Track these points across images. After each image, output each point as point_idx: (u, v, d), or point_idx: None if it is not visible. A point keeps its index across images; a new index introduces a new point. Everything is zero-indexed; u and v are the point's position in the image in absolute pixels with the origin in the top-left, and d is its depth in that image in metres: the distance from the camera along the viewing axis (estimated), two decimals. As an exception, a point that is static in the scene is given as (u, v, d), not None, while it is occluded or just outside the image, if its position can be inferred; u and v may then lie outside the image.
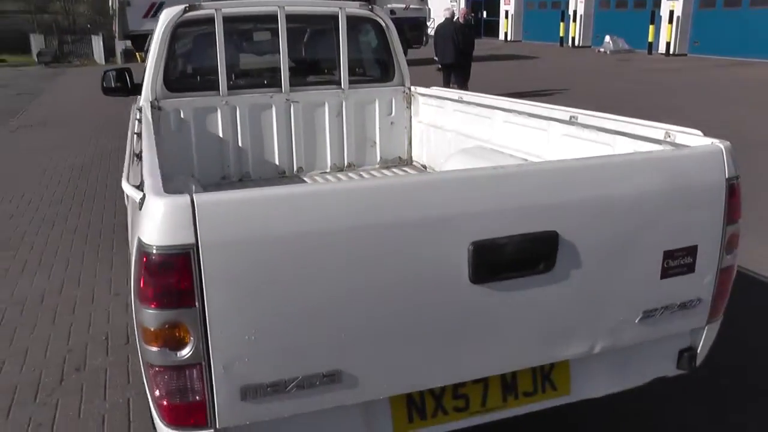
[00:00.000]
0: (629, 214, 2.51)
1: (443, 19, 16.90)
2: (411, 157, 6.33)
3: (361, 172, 6.10)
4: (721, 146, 2.71)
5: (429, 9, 28.33)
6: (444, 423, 2.57)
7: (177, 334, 2.07)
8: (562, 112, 3.99)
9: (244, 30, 6.30)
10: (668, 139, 3.13)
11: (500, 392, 2.63)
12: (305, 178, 5.94)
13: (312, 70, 6.53)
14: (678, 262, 2.61)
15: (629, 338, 2.65)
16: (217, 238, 2.03)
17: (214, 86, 5.65)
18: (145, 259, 2.03)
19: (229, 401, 2.14)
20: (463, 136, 5.35)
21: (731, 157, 2.69)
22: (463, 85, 16.52)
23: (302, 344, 2.18)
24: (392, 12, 27.10)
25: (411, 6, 27.45)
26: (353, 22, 5.98)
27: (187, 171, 5.67)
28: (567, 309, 2.52)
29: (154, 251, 2.01)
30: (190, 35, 5.96)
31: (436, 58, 17.58)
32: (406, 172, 6.10)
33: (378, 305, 2.25)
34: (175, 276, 2.01)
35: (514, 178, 2.44)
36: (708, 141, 2.85)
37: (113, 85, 6.11)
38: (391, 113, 6.12)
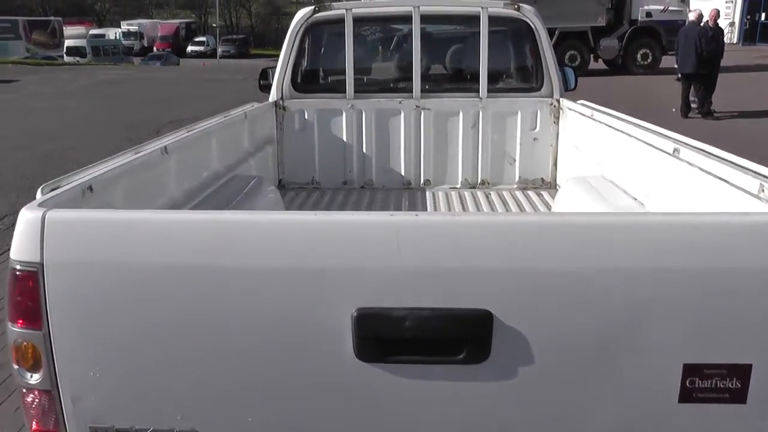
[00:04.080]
0: (620, 297, 1.76)
1: (686, 23, 15.10)
2: (555, 179, 5.52)
3: (496, 192, 5.45)
4: None
5: (689, 11, 25.58)
6: None
7: (30, 354, 1.95)
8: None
9: (376, 31, 5.96)
10: (763, 194, 2.18)
11: None
12: (432, 192, 5.46)
13: (447, 75, 5.99)
14: (713, 383, 1.76)
15: None
16: (62, 258, 1.86)
17: (341, 88, 5.41)
18: (9, 272, 1.94)
19: None
20: (592, 160, 4.50)
21: None
22: (704, 99, 14.61)
23: (151, 392, 1.93)
24: (648, 15, 25.07)
25: (670, 8, 25.06)
26: (497, 23, 5.35)
27: (308, 172, 5.54)
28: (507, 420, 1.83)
29: (13, 266, 1.91)
30: (320, 36, 5.77)
31: (676, 66, 15.83)
32: (543, 196, 5.33)
33: (240, 365, 1.87)
34: (26, 294, 1.90)
35: (439, 227, 1.81)
36: None
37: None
38: (535, 128, 5.37)
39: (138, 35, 62.65)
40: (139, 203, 2.71)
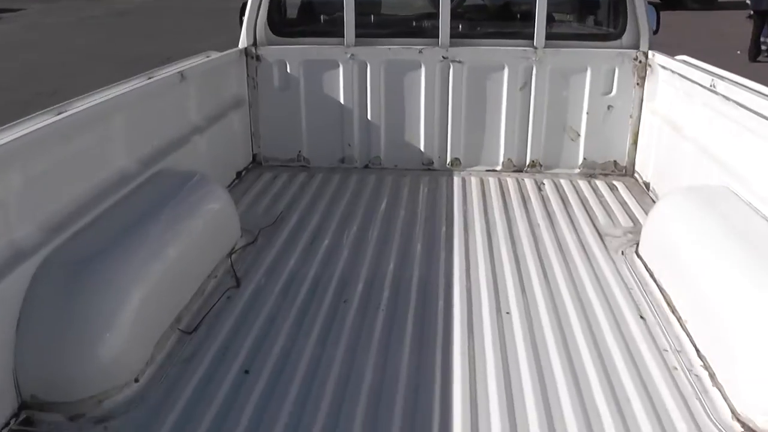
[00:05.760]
0: None
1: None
2: (633, 165, 4.00)
3: (551, 180, 3.95)
4: None
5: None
6: None
7: None
8: None
9: None
10: None
11: None
12: (461, 176, 3.99)
13: (489, 13, 4.57)
14: None
15: None
16: None
17: (337, 31, 4.04)
18: None
19: None
20: (709, 157, 2.98)
21: None
22: None
23: None
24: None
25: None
26: None
27: (293, 145, 4.21)
28: None
29: None
30: None
31: (749, 2, 13.96)
32: (616, 189, 3.81)
33: None
34: None
35: None
36: None
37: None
38: (611, 91, 3.94)
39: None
40: None
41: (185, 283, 2.54)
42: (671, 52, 3.94)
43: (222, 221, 2.96)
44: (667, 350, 2.29)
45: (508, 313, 2.51)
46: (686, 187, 3.01)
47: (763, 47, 13.29)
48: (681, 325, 2.41)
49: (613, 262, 2.92)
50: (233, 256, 2.94)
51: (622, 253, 3.02)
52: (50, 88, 10.85)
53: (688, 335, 2.34)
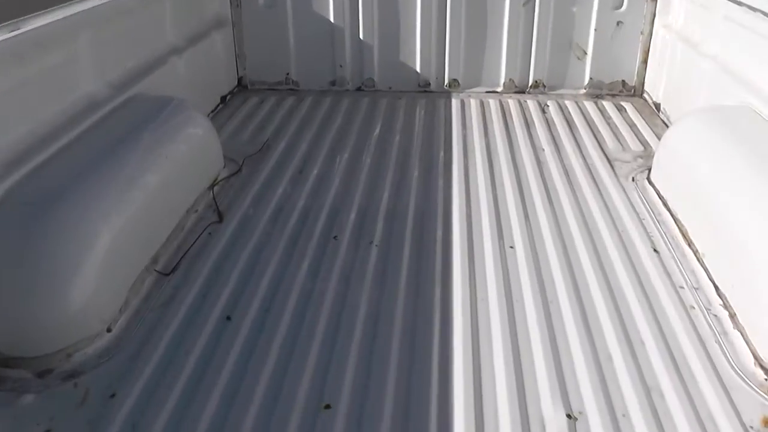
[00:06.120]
0: None
1: None
2: (642, 84, 3.75)
3: (555, 101, 3.70)
4: None
5: None
6: None
7: None
8: None
9: None
10: None
11: None
12: (460, 99, 3.74)
13: None
14: None
15: None
16: None
17: None
18: None
19: None
20: (730, 75, 2.74)
21: None
22: None
23: None
24: None
25: None
26: None
27: (281, 67, 3.91)
28: None
29: None
30: None
31: None
32: (624, 110, 3.58)
33: None
34: None
35: None
36: None
37: None
38: (621, 6, 3.63)
39: None
40: None
41: (162, 220, 2.32)
42: None
43: (203, 150, 2.72)
44: (683, 287, 2.11)
45: (512, 247, 2.32)
46: (703, 107, 2.79)
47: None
48: (698, 259, 2.23)
49: (623, 189, 2.72)
50: (215, 188, 2.72)
51: (633, 179, 2.82)
52: None
53: (706, 271, 2.16)
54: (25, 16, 2.33)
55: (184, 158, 2.55)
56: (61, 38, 2.35)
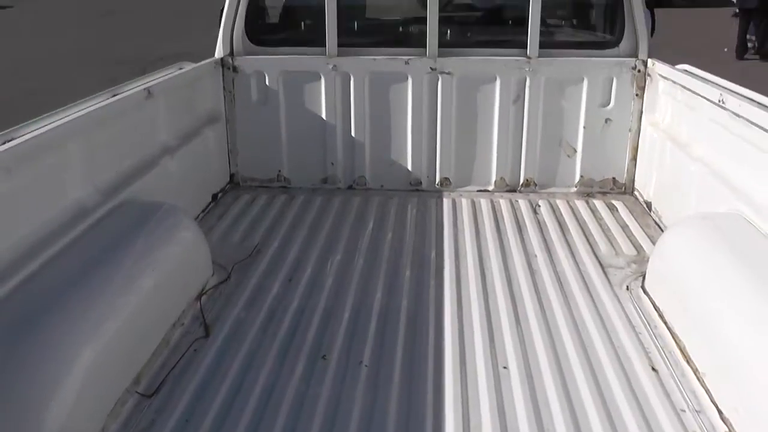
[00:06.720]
0: None
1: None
2: (633, 182, 3.77)
3: (546, 200, 3.71)
4: None
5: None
6: None
7: None
8: None
9: None
10: None
11: None
12: (452, 198, 3.74)
13: (478, 20, 4.31)
14: None
15: None
16: None
17: (318, 40, 3.75)
18: None
19: None
20: (719, 179, 2.75)
21: None
22: (764, 38, 12.93)
23: None
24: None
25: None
26: None
27: (273, 164, 3.92)
28: None
29: None
30: None
31: (734, 0, 13.86)
32: (616, 210, 3.58)
33: None
34: None
35: None
36: None
37: None
38: (608, 103, 3.70)
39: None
40: None
41: (147, 336, 2.25)
42: (660, 51, 3.74)
43: (191, 260, 2.68)
44: (684, 410, 2.04)
45: (505, 367, 2.25)
46: (695, 215, 2.78)
47: (749, 44, 13.22)
48: (698, 378, 2.17)
49: (618, 299, 2.68)
50: (203, 297, 2.67)
51: (627, 288, 2.78)
52: (31, 87, 10.57)
53: (708, 393, 2.09)
54: (16, 126, 2.33)
55: (172, 269, 2.51)
56: (53, 147, 2.34)
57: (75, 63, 12.84)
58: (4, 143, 2.14)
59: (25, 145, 2.18)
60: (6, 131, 2.24)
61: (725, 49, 13.16)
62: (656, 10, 14.18)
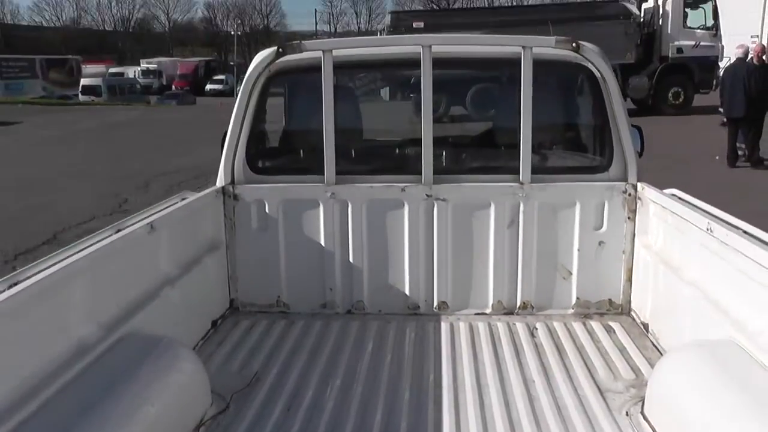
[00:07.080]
0: None
1: (733, 59, 13.49)
2: (629, 303, 3.81)
3: (543, 323, 3.73)
4: None
5: (722, 47, 23.94)
6: None
7: None
8: None
9: (366, 82, 4.37)
10: None
11: None
12: (450, 322, 3.77)
13: (472, 147, 4.45)
14: None
15: None
16: None
17: (317, 168, 3.86)
18: None
19: None
20: (713, 305, 2.80)
21: None
22: (753, 147, 13.15)
23: None
24: (679, 51, 23.48)
25: (701, 43, 23.47)
26: (546, 69, 3.80)
27: (272, 290, 3.95)
28: None
29: None
30: (288, 90, 4.37)
31: (721, 110, 14.29)
32: (613, 332, 3.60)
33: None
34: None
35: None
36: None
37: None
38: (602, 226, 3.80)
39: (157, 73, 62.30)
40: None
41: None
42: (650, 161, 3.83)
43: (189, 392, 2.70)
44: None
45: None
46: (691, 343, 2.81)
47: (740, 152, 13.45)
48: None
49: (618, 427, 2.67)
50: (201, 429, 2.66)
51: (627, 413, 2.77)
52: (40, 202, 10.83)
53: None
54: (22, 269, 2.41)
55: (170, 403, 2.52)
56: (57, 289, 2.40)
57: (81, 177, 13.20)
58: (10, 287, 2.20)
59: (29, 289, 2.23)
60: (10, 275, 2.31)
61: (716, 157, 13.44)
62: (646, 119, 14.56)
